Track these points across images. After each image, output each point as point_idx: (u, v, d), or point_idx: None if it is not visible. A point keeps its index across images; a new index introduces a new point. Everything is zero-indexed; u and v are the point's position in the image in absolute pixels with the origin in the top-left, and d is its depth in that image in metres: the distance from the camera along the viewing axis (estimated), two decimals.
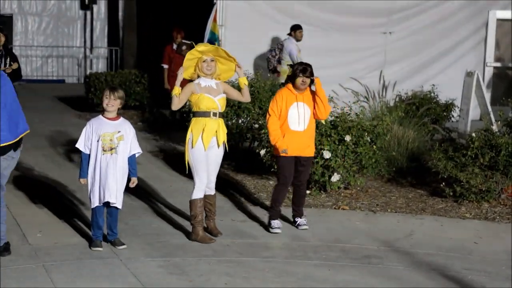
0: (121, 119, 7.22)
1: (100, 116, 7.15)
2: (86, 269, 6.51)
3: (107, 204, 7.10)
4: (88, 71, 21.09)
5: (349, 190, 9.49)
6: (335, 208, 8.89)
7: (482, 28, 15.62)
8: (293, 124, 7.75)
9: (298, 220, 8.05)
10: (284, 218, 8.20)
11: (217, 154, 7.47)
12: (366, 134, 9.45)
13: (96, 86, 15.36)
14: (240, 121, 11.12)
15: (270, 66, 13.71)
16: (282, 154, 7.72)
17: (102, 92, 7.20)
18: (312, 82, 7.80)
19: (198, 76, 7.46)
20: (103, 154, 7.00)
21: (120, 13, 22.51)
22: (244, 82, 7.56)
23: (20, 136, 6.55)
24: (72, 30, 23.08)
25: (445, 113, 13.10)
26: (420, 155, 10.53)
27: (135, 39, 19.86)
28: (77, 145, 7.14)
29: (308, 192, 9.28)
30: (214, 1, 13.99)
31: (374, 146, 9.49)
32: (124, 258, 6.83)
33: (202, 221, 7.45)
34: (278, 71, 13.62)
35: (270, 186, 9.69)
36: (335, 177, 9.17)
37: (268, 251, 7.30)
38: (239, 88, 7.70)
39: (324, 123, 9.26)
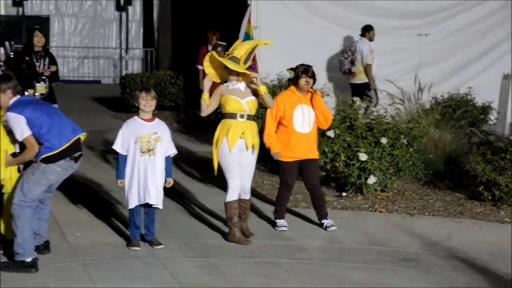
0: (157, 120, 7.26)
1: (136, 117, 7.19)
2: (124, 268, 6.56)
3: (144, 204, 7.14)
4: (123, 72, 21.21)
5: (386, 193, 9.43)
6: (371, 211, 8.85)
7: None
8: (298, 126, 7.79)
9: (325, 222, 8.03)
10: (311, 221, 8.18)
11: (249, 158, 7.45)
12: (402, 136, 9.41)
13: (131, 87, 15.45)
14: None
15: (342, 68, 13.63)
16: (274, 157, 7.81)
17: (137, 94, 7.20)
18: (314, 82, 7.88)
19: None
20: (141, 155, 7.04)
21: (155, 14, 22.61)
22: (262, 91, 7.39)
23: (63, 147, 6.55)
24: (107, 31, 23.24)
25: (482, 116, 12.95)
26: (458, 158, 10.44)
27: (170, 40, 19.94)
28: (113, 147, 7.18)
29: (344, 194, 9.28)
30: (249, 2, 14.01)
31: (411, 149, 9.44)
32: (162, 258, 6.87)
33: (238, 222, 7.46)
34: (353, 72, 13.53)
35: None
36: (372, 180, 9.13)
37: (304, 253, 7.29)
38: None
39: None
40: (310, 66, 7.86)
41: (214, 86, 7.60)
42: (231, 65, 7.27)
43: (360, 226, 8.26)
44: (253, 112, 7.45)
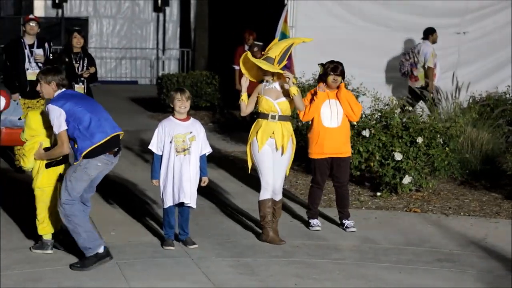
0: (192, 119, 7.30)
1: (171, 117, 7.24)
2: (158, 268, 6.61)
3: (178, 204, 7.19)
4: (160, 73, 21.34)
5: (421, 193, 9.37)
6: (406, 211, 8.80)
7: None
8: (326, 121, 7.81)
9: (346, 222, 8.00)
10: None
11: (280, 158, 7.45)
12: (438, 136, 9.34)
13: (168, 87, 15.54)
14: None
15: (402, 69, 13.55)
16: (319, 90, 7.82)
17: (172, 95, 7.23)
18: (343, 80, 7.84)
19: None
20: (177, 155, 7.08)
21: (192, 15, 22.70)
22: (293, 92, 7.36)
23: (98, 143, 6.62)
24: (145, 32, 23.39)
25: None
26: (495, 157, 10.33)
27: (207, 41, 20.00)
28: (149, 147, 7.24)
29: (378, 194, 9.25)
30: (285, 2, 14.01)
31: (447, 148, 9.37)
32: (196, 257, 6.91)
33: (271, 221, 7.47)
34: (415, 75, 13.46)
35: None
36: (407, 179, 9.08)
37: (338, 253, 7.28)
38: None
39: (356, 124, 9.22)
40: (340, 63, 7.83)
41: (253, 85, 7.65)
42: (264, 66, 7.28)
43: (395, 226, 8.22)
44: (286, 113, 7.45)
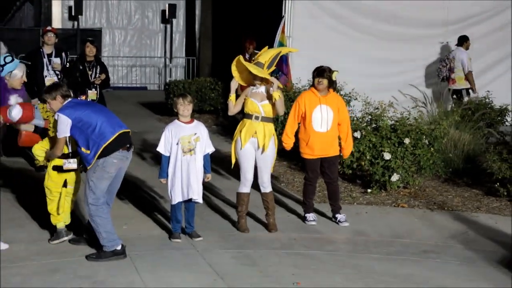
0: (195, 121, 7.29)
1: (176, 120, 7.22)
2: (166, 259, 6.59)
3: (185, 200, 7.16)
4: (167, 79, 21.33)
5: (408, 189, 9.35)
6: (394, 206, 8.78)
7: None
8: (317, 125, 7.72)
9: (338, 216, 7.96)
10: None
11: (262, 156, 7.47)
12: (424, 137, 9.33)
13: (175, 93, 15.49)
14: None
15: (441, 75, 13.68)
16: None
17: (175, 101, 7.22)
18: (331, 83, 7.75)
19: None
20: (183, 155, 7.07)
21: (197, 26, 22.71)
22: (275, 97, 7.38)
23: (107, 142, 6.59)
24: (153, 42, 23.40)
25: (499, 118, 12.77)
26: (476, 157, 10.31)
27: (210, 50, 20.02)
28: (158, 149, 7.22)
29: (369, 190, 9.23)
30: (283, 14, 14.00)
31: (432, 148, 9.35)
32: (201, 249, 6.89)
33: (243, 212, 7.55)
34: (452, 79, 13.56)
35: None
36: (395, 177, 9.06)
37: (332, 245, 7.26)
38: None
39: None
40: (326, 68, 7.74)
41: (243, 89, 7.68)
42: (254, 70, 7.32)
43: (384, 220, 8.20)
44: (269, 115, 7.47)
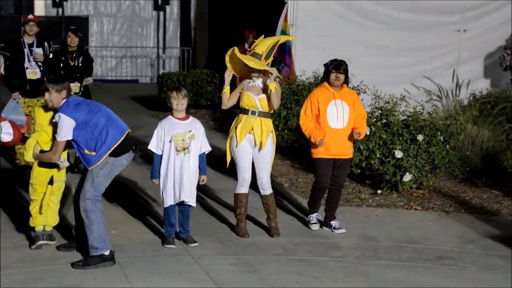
0: (191, 118, 7.30)
1: (170, 116, 7.23)
2: (159, 266, 6.60)
3: (178, 203, 7.18)
4: (160, 71, 21.35)
5: (421, 190, 9.37)
6: (407, 208, 8.80)
7: None
8: (333, 122, 7.65)
9: (334, 223, 7.89)
10: (345, 219, 8.14)
11: (261, 153, 7.46)
12: (439, 133, 9.33)
13: (168, 86, 15.51)
14: None
15: (504, 64, 13.50)
16: (319, 145, 7.59)
17: (168, 94, 7.24)
18: (347, 78, 7.72)
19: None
20: (177, 154, 7.08)
21: (192, 13, 22.71)
22: (270, 88, 7.38)
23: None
24: (145, 31, 23.40)
25: None
26: (495, 155, 10.33)
27: (207, 39, 20.03)
28: (149, 147, 7.23)
29: (379, 191, 9.25)
30: (285, 0, 14.00)
31: (447, 146, 9.36)
32: (196, 255, 6.91)
33: (242, 215, 7.55)
34: None
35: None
36: (407, 177, 9.08)
37: (338, 250, 7.28)
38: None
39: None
40: (343, 62, 7.72)
41: (242, 80, 7.73)
42: (250, 63, 7.33)
43: (395, 223, 8.22)
44: (267, 109, 7.47)
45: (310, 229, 7.87)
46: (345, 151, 7.78)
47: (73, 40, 10.28)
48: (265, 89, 7.44)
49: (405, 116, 9.57)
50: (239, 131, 7.42)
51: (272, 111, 7.57)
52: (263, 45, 7.48)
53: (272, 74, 7.41)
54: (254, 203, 7.96)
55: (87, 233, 6.58)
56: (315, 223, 7.90)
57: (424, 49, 14.55)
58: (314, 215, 7.94)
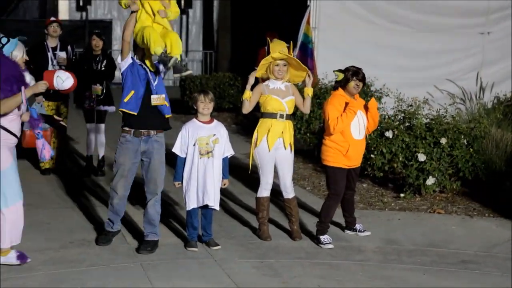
0: (215, 121, 7.31)
1: (195, 119, 7.25)
2: (181, 269, 6.63)
3: (201, 206, 7.20)
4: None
5: (445, 194, 9.33)
6: (430, 212, 8.77)
7: None
8: (355, 133, 7.44)
9: (358, 226, 7.85)
10: (367, 222, 8.11)
11: (286, 156, 7.47)
12: (462, 136, 9.29)
13: (191, 89, 15.62)
14: None
15: None
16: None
17: (195, 97, 7.26)
18: (364, 86, 7.60)
19: (268, 78, 7.51)
20: (200, 157, 7.10)
21: (215, 16, 22.79)
22: (308, 92, 7.48)
23: None
24: None
25: None
26: None
27: (229, 42, 20.09)
28: (173, 150, 7.24)
29: (402, 195, 9.23)
30: (308, 3, 14.01)
31: (471, 149, 9.31)
32: (219, 258, 6.92)
33: (265, 218, 7.56)
34: None
35: (362, 188, 9.65)
36: (430, 180, 9.05)
37: (361, 254, 7.27)
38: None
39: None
40: (360, 69, 7.50)
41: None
42: (300, 65, 7.42)
43: (418, 227, 8.19)
44: (291, 111, 7.51)
45: (333, 232, 7.77)
46: (360, 160, 7.70)
47: (97, 44, 10.36)
48: (289, 93, 7.44)
49: (428, 119, 9.55)
50: (270, 136, 7.36)
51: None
52: (280, 46, 7.46)
53: (310, 78, 7.45)
54: (275, 205, 7.96)
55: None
56: (329, 243, 7.44)
57: (448, 51, 14.50)
58: (326, 237, 7.46)
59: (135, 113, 6.98)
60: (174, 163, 7.36)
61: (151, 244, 7.09)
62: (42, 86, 6.52)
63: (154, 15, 7.12)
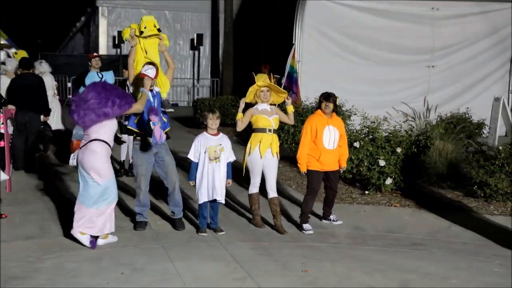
0: (221, 134, 7.31)
1: (205, 132, 7.24)
2: (194, 249, 6.62)
3: (210, 200, 7.19)
4: (195, 97, 21.43)
5: (400, 191, 9.33)
6: (388, 205, 8.76)
7: (507, 63, 15.21)
8: (326, 144, 7.51)
9: (332, 217, 7.87)
10: (340, 214, 8.09)
11: (272, 162, 7.43)
12: (413, 147, 9.31)
13: (201, 109, 15.59)
14: None
15: None
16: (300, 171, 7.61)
17: (205, 115, 7.26)
18: (335, 107, 7.58)
19: (256, 102, 7.52)
20: (210, 162, 7.10)
21: (221, 52, 22.82)
22: (290, 109, 7.60)
23: None
24: (183, 66, 23.55)
25: (477, 130, 12.76)
26: (457, 163, 10.27)
27: (232, 72, 20.09)
28: (188, 156, 7.23)
29: (366, 192, 9.21)
30: (293, 42, 14.04)
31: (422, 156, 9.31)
32: (223, 241, 6.91)
33: (257, 209, 7.54)
34: None
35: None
36: (388, 181, 9.06)
37: (335, 238, 7.26)
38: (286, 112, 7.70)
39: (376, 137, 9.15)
40: (332, 94, 7.57)
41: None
42: (279, 90, 7.45)
43: (379, 217, 8.19)
44: (277, 126, 7.52)
45: (314, 221, 7.78)
46: (335, 165, 7.68)
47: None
48: (274, 112, 7.46)
49: (387, 133, 9.56)
50: (262, 147, 7.35)
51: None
52: (263, 77, 7.53)
53: (289, 99, 7.52)
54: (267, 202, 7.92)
55: None
56: (310, 229, 7.48)
57: (402, 80, 14.57)
58: (308, 225, 7.52)
59: (140, 131, 7.09)
60: (188, 166, 7.35)
61: (182, 221, 7.33)
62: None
63: (146, 52, 7.35)
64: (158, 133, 6.83)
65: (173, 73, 7.75)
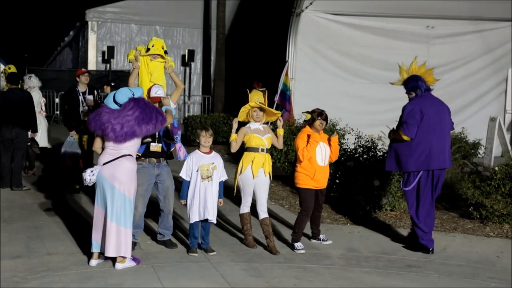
0: (213, 152, 7.32)
1: (197, 150, 7.26)
2: (184, 270, 6.60)
3: (201, 220, 7.18)
4: (186, 114, 21.46)
5: (394, 212, 9.36)
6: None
7: (503, 82, 15.34)
8: (320, 160, 7.53)
9: (322, 236, 7.86)
10: (333, 235, 8.10)
11: (264, 182, 7.43)
12: None
13: (193, 126, 15.64)
14: None
15: None
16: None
17: (198, 133, 7.28)
18: (326, 124, 7.67)
19: (249, 121, 7.56)
20: (202, 181, 7.10)
21: (212, 69, 22.89)
22: (280, 132, 7.56)
23: None
24: None
25: (473, 151, 12.84)
26: (453, 184, 10.34)
27: (223, 89, 20.16)
28: (180, 174, 7.23)
29: (360, 213, 9.21)
30: (287, 59, 14.13)
31: None
32: (214, 262, 6.91)
33: (249, 229, 7.53)
34: None
35: (330, 207, 9.65)
36: (383, 201, 9.08)
37: (328, 259, 7.26)
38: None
39: None
40: (324, 110, 7.64)
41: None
42: (273, 111, 7.49)
43: (374, 238, 8.20)
44: (269, 146, 7.52)
45: (307, 241, 7.80)
46: (325, 182, 7.72)
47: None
48: (267, 132, 7.49)
49: (381, 153, 9.59)
50: (254, 166, 7.35)
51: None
52: (257, 96, 7.53)
53: (281, 121, 7.50)
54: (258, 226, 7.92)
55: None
56: (301, 248, 7.49)
57: (395, 99, 14.55)
58: (299, 244, 7.52)
59: (141, 154, 7.12)
60: (180, 185, 7.36)
61: (171, 241, 7.42)
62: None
63: (151, 75, 7.45)
64: (182, 150, 6.96)
65: (180, 93, 7.82)
